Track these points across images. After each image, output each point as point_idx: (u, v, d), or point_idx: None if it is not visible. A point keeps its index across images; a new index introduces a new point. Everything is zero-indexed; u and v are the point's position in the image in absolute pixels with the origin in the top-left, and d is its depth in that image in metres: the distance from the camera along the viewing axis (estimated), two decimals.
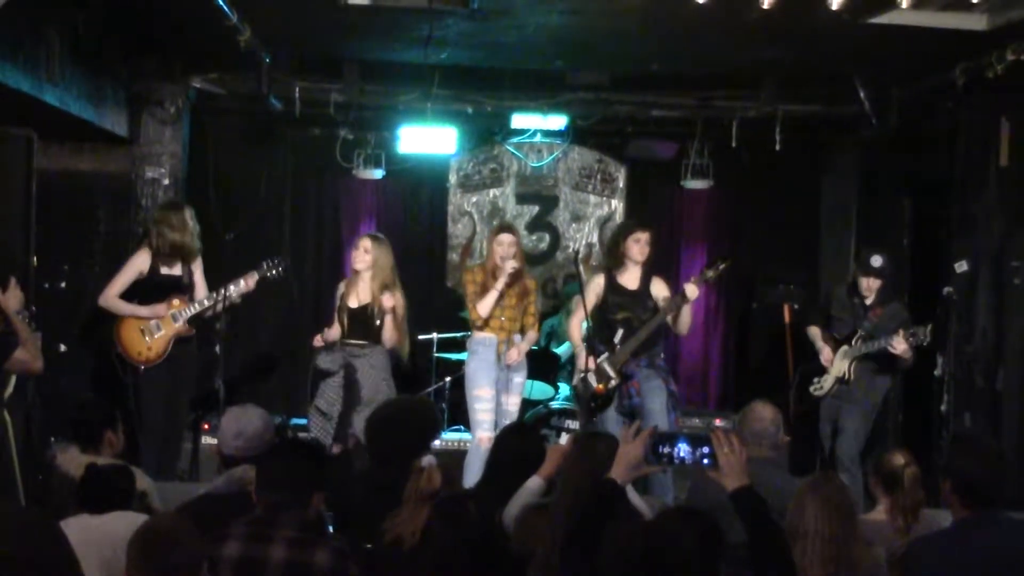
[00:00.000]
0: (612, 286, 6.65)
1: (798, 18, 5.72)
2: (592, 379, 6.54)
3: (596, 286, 6.70)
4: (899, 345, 6.50)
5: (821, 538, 3.34)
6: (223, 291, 6.65)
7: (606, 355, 6.55)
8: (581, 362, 6.60)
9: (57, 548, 3.03)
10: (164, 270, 6.73)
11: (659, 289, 6.66)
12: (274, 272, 6.88)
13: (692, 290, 6.36)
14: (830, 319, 6.97)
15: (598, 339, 6.64)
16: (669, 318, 6.52)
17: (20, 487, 5.03)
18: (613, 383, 6.53)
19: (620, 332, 6.54)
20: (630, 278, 6.65)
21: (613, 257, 6.74)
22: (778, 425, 4.58)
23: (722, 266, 6.52)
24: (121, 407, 6.49)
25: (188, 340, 6.77)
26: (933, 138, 7.86)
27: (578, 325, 6.81)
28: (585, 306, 6.68)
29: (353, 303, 6.74)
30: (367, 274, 6.72)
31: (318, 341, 6.80)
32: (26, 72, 5.57)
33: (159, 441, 6.71)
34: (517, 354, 6.71)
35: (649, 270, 6.70)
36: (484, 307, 6.63)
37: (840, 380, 6.73)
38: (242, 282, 6.69)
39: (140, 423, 6.61)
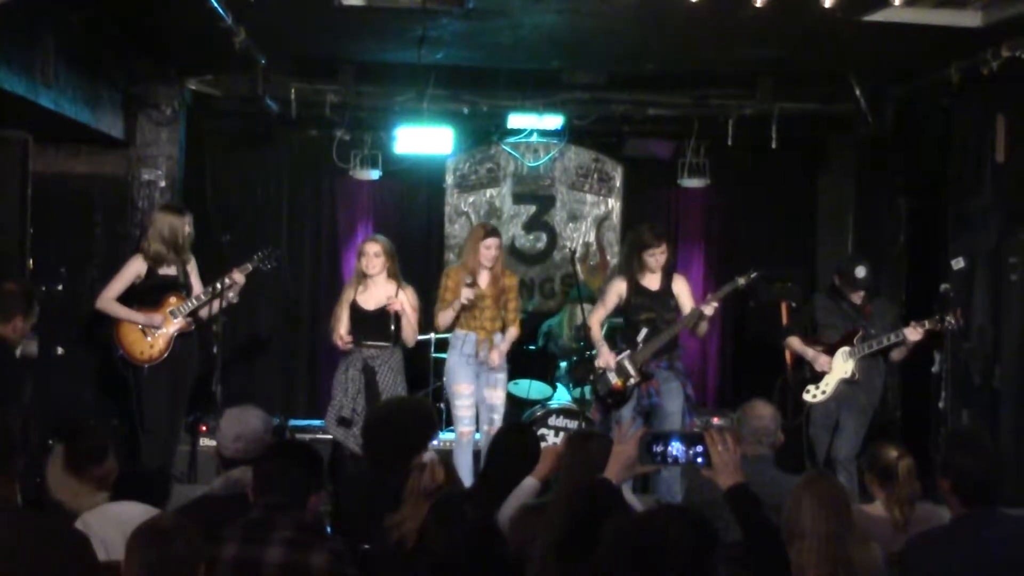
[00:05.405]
0: (635, 288, 6.67)
1: (792, 17, 5.73)
2: (611, 376, 6.60)
3: (618, 289, 6.74)
4: (914, 334, 6.48)
5: (818, 537, 3.33)
6: (219, 283, 6.66)
7: (627, 353, 6.63)
8: (601, 359, 6.65)
9: (83, 556, 3.06)
10: (161, 271, 6.74)
11: (680, 287, 6.72)
12: (268, 263, 6.90)
13: (709, 308, 6.48)
14: (816, 327, 6.87)
15: (620, 337, 6.74)
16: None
17: (18, 489, 5.03)
18: (632, 381, 6.59)
19: (644, 331, 6.60)
20: (652, 280, 6.69)
21: (630, 265, 6.75)
22: (777, 423, 4.59)
23: (754, 275, 6.55)
24: (124, 409, 6.54)
25: (189, 335, 6.80)
26: (929, 135, 7.87)
27: (599, 322, 6.84)
28: (583, 310, 6.70)
29: (369, 305, 6.70)
30: (380, 277, 6.72)
31: (343, 342, 6.65)
32: (21, 75, 5.56)
33: (161, 441, 6.71)
34: (498, 356, 6.73)
35: (670, 270, 6.77)
36: (443, 321, 6.73)
37: (846, 380, 6.68)
38: (236, 273, 6.71)
39: (142, 423, 6.63)
